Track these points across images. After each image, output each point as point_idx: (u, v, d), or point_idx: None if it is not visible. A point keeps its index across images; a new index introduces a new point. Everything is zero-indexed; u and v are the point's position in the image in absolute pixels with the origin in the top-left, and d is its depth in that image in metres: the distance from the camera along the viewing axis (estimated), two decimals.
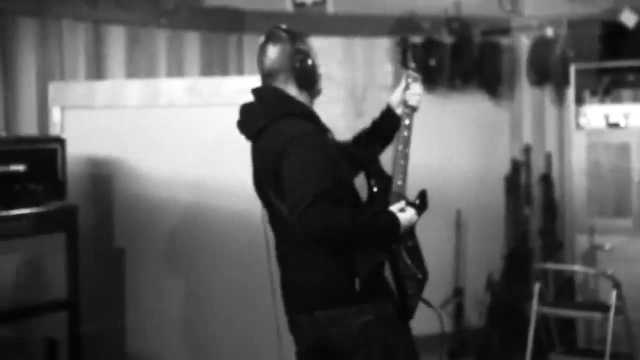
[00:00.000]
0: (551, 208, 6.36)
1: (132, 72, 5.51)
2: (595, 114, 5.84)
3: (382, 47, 6.30)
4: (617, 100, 5.86)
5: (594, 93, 5.92)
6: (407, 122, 3.15)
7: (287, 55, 2.98)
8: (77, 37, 5.26)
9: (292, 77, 2.99)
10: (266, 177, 2.94)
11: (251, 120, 3.00)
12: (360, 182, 3.07)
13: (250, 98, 3.04)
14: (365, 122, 3.40)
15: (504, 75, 6.53)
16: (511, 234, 6.45)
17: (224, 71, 6.00)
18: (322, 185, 2.74)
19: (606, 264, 5.46)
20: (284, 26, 3.05)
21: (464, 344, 6.22)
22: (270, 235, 3.08)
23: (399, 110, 3.25)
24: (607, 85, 5.95)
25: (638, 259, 5.57)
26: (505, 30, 6.50)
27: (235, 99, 3.09)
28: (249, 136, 3.01)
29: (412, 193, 3.07)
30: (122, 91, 4.62)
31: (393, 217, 2.89)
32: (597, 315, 5.10)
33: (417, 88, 3.23)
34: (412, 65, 3.27)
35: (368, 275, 2.87)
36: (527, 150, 6.48)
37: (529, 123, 6.59)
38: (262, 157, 2.94)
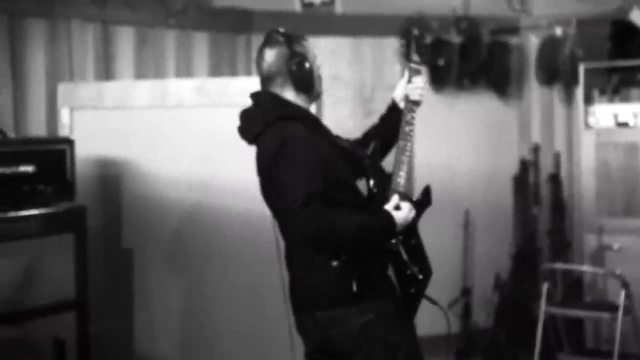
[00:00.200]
0: (560, 208, 6.34)
1: (141, 72, 5.52)
2: (604, 113, 5.82)
3: (391, 47, 6.29)
4: (626, 99, 5.85)
5: (603, 92, 5.91)
6: (408, 116, 3.09)
7: (283, 58, 2.98)
8: (86, 38, 5.27)
9: (289, 80, 3.00)
10: (264, 181, 2.97)
11: (249, 126, 3.02)
12: (362, 182, 3.07)
13: (249, 102, 3.07)
14: (374, 122, 3.38)
15: (513, 75, 6.52)
16: (519, 233, 6.44)
17: (232, 71, 6.01)
18: (312, 187, 2.75)
19: (615, 264, 5.45)
20: (281, 29, 3.05)
21: (472, 344, 6.21)
22: (280, 235, 3.10)
23: (402, 105, 3.19)
24: (616, 84, 5.93)
25: None
26: (514, 30, 6.49)
27: (243, 100, 3.10)
28: (248, 141, 3.03)
29: (419, 192, 3.07)
30: (131, 92, 4.63)
31: (388, 215, 2.89)
32: (606, 315, 5.09)
33: (419, 81, 3.15)
34: (416, 58, 3.18)
35: (364, 276, 2.88)
36: (535, 149, 6.47)
37: (537, 122, 6.57)
38: (259, 162, 2.97)
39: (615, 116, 5.80)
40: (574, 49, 6.10)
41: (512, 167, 6.52)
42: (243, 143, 3.08)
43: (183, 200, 4.50)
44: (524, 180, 6.47)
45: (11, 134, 4.51)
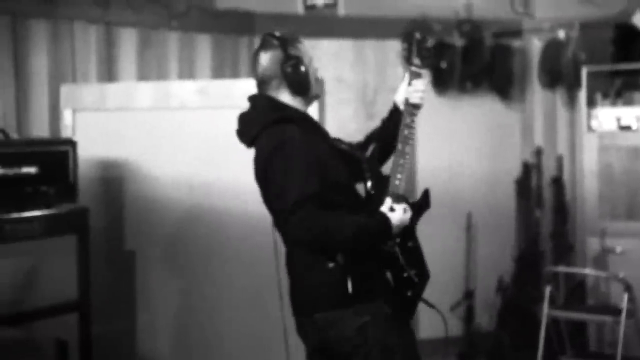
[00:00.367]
0: (562, 211, 6.34)
1: (143, 74, 5.52)
2: (607, 116, 5.82)
3: (393, 49, 6.30)
4: (629, 102, 5.85)
5: (605, 96, 5.91)
6: (408, 120, 3.07)
7: (278, 61, 2.99)
8: (89, 39, 5.27)
9: (285, 83, 3.01)
10: (261, 184, 2.98)
11: (246, 129, 3.04)
12: (361, 184, 3.07)
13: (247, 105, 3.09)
14: (376, 125, 3.38)
15: (516, 78, 6.52)
16: (522, 236, 6.44)
17: (234, 73, 6.01)
18: (308, 189, 2.77)
19: (617, 267, 5.45)
20: (276, 32, 3.05)
21: (475, 347, 6.20)
22: (279, 238, 3.10)
23: (403, 108, 3.19)
24: (618, 87, 5.93)
25: None
26: (517, 33, 6.49)
27: (246, 102, 3.11)
28: (246, 144, 3.04)
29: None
30: (134, 93, 4.63)
31: (384, 218, 2.89)
32: (608, 319, 5.09)
33: (419, 85, 3.12)
34: (417, 61, 3.17)
35: (360, 277, 2.88)
36: (538, 152, 6.47)
37: (540, 125, 6.58)
38: (256, 164, 2.98)
39: (618, 119, 5.79)
40: (576, 52, 6.10)
41: (514, 170, 6.52)
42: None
43: (185, 201, 4.50)
44: (527, 183, 6.46)
45: (14, 135, 4.51)
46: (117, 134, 4.59)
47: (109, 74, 5.37)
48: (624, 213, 5.78)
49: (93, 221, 4.23)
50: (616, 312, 4.98)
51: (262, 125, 2.95)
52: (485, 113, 6.52)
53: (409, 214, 2.94)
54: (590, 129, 5.87)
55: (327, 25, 6.25)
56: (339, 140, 3.12)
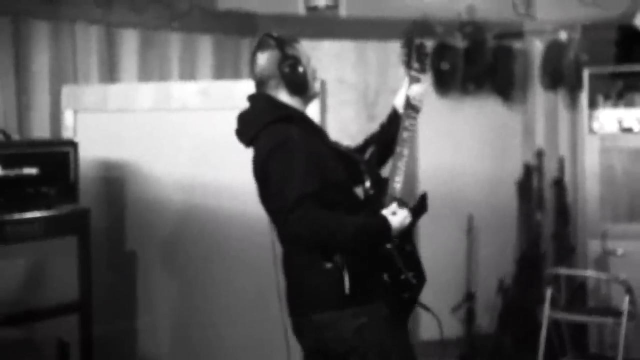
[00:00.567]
0: (564, 212, 6.34)
1: (145, 75, 5.52)
2: (609, 118, 5.82)
3: (395, 50, 6.25)
4: (631, 104, 5.85)
5: (607, 97, 5.91)
6: (407, 123, 3.10)
7: (275, 61, 3.02)
8: (90, 40, 5.27)
9: (282, 83, 3.03)
10: (260, 183, 2.99)
11: (245, 128, 3.05)
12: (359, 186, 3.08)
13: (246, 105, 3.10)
14: (375, 127, 3.39)
15: (517, 79, 6.52)
16: (523, 238, 6.43)
17: (236, 74, 6.01)
18: (306, 188, 2.78)
19: (619, 269, 5.44)
20: (274, 33, 3.08)
21: (475, 349, 6.20)
22: (277, 239, 3.10)
23: (402, 112, 3.21)
24: (620, 89, 5.94)
25: None
26: (519, 34, 6.49)
27: (247, 103, 3.11)
28: (245, 144, 3.05)
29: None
30: (135, 94, 4.63)
31: (384, 220, 2.90)
32: (610, 321, 5.09)
33: (418, 89, 3.17)
34: (416, 65, 3.22)
35: (358, 279, 2.88)
36: (539, 154, 6.47)
37: (541, 127, 6.58)
38: (255, 164, 2.99)
39: (620, 121, 5.79)
40: (578, 53, 6.11)
41: (516, 172, 6.52)
42: None
43: (186, 202, 4.50)
44: (528, 185, 6.46)
45: (15, 136, 4.52)
46: (118, 135, 4.59)
47: (110, 74, 5.36)
48: (625, 215, 5.78)
49: (94, 222, 4.23)
50: (617, 314, 4.97)
51: (261, 124, 2.97)
52: (487, 114, 6.52)
53: (409, 219, 2.96)
54: (591, 130, 5.87)
55: (329, 26, 6.25)
56: (336, 143, 3.14)
